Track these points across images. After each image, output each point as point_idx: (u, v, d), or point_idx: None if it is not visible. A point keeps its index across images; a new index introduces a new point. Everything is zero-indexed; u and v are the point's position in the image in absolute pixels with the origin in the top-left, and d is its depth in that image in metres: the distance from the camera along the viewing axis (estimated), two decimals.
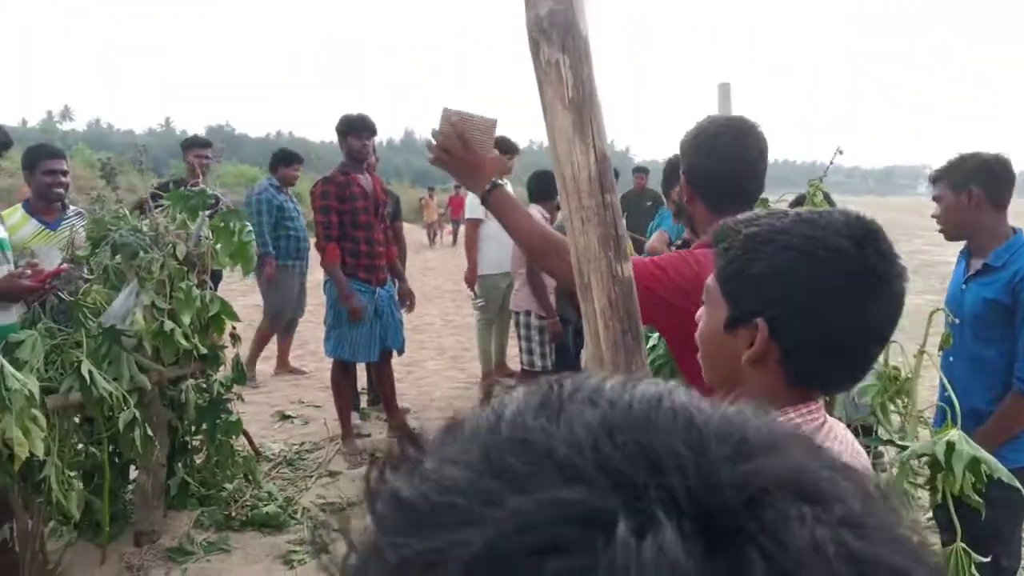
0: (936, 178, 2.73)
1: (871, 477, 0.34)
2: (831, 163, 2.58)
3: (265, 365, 6.89)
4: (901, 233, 21.72)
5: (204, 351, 3.89)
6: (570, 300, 5.29)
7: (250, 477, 4.19)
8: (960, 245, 2.78)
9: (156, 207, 3.93)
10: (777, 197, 2.58)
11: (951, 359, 2.57)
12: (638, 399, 0.34)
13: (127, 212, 3.95)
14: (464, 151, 1.78)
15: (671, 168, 3.92)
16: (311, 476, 4.58)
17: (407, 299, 5.59)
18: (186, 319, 3.69)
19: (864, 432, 2.12)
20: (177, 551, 3.63)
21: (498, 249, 5.86)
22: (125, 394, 3.40)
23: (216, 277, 4.51)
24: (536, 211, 5.04)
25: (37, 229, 4.03)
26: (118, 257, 3.66)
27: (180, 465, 4.03)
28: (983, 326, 2.58)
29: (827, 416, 1.15)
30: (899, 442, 2.03)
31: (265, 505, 4.03)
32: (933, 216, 2.74)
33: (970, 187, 2.60)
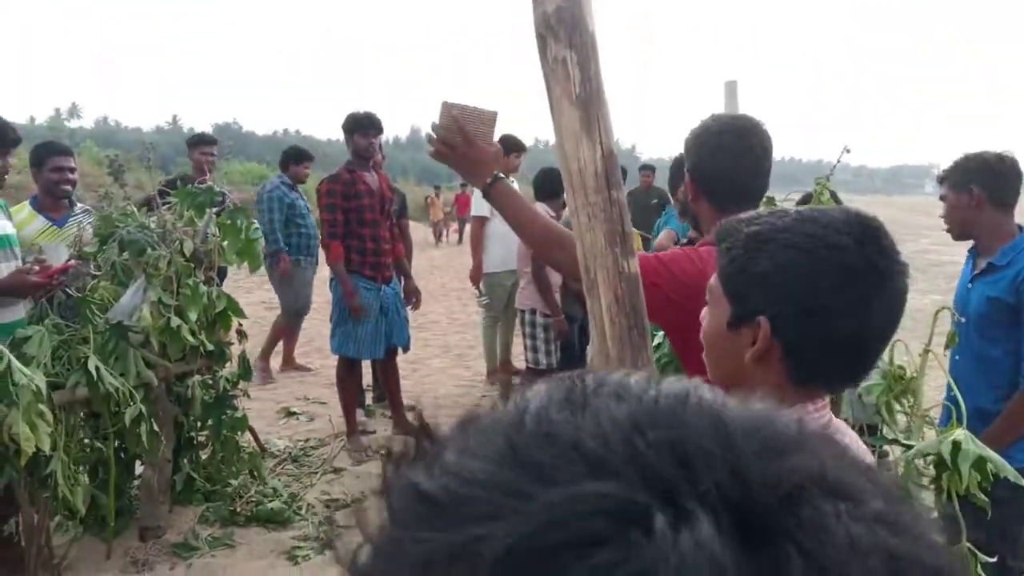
0: (942, 178, 2.75)
1: (893, 477, 0.34)
2: (838, 161, 2.58)
3: (271, 362, 6.91)
4: (907, 233, 21.66)
5: (210, 347, 3.91)
6: (575, 297, 5.29)
7: (255, 473, 4.21)
8: (968, 244, 2.78)
9: (163, 204, 3.94)
10: (784, 196, 2.58)
11: (957, 358, 2.57)
12: (664, 395, 0.34)
13: (135, 209, 3.97)
14: (465, 144, 1.77)
15: (677, 167, 3.92)
16: (316, 472, 4.59)
17: (413, 296, 5.60)
18: (193, 315, 3.71)
19: (869, 431, 2.12)
20: (182, 546, 3.64)
21: (504, 247, 5.86)
22: (131, 390, 3.41)
23: (221, 274, 4.53)
24: (542, 209, 5.04)
25: (44, 226, 4.05)
26: (125, 254, 3.68)
27: (186, 461, 4.05)
28: (988, 325, 2.58)
29: (832, 415, 1.15)
30: (904, 441, 2.03)
31: (270, 501, 4.04)
32: (941, 216, 2.75)
33: (971, 187, 2.61)
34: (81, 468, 3.39)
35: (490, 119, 1.80)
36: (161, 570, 3.48)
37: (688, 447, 0.30)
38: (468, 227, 7.96)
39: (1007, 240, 2.61)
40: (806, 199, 2.74)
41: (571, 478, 0.30)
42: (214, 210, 3.99)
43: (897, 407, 2.13)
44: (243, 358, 4.19)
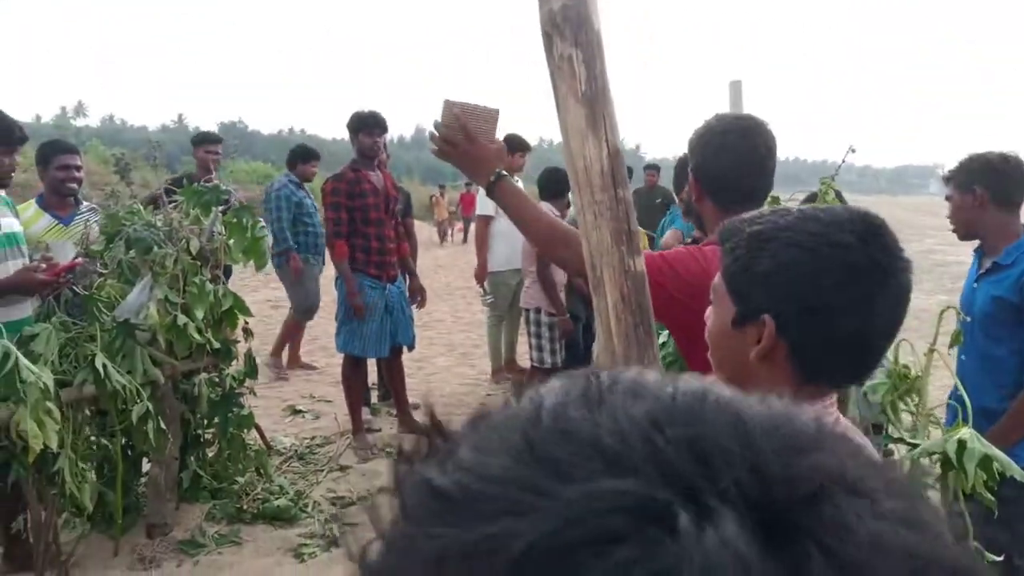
0: (948, 179, 2.76)
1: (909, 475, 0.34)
2: (843, 161, 2.58)
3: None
4: (912, 233, 21.62)
5: (217, 345, 3.92)
6: (580, 296, 5.30)
7: (261, 471, 4.22)
8: (975, 244, 2.79)
9: (169, 202, 3.96)
10: (788, 196, 2.58)
11: (963, 358, 2.57)
12: (682, 392, 0.33)
13: (141, 207, 3.98)
14: (467, 142, 1.77)
15: (681, 167, 3.92)
16: (322, 470, 4.60)
17: (418, 295, 5.60)
18: (199, 313, 3.72)
19: (875, 431, 2.12)
20: (189, 543, 3.66)
21: (508, 246, 5.87)
22: (138, 387, 3.42)
23: (226, 272, 4.54)
24: (547, 208, 5.04)
25: (50, 224, 4.06)
26: (132, 252, 3.69)
27: (192, 458, 4.06)
28: (993, 324, 2.58)
29: (840, 414, 1.15)
30: (909, 440, 2.03)
31: (276, 498, 4.05)
32: (947, 217, 2.76)
33: (974, 187, 2.62)
34: (88, 465, 3.40)
35: (492, 116, 1.80)
36: (168, 567, 3.50)
37: (707, 444, 0.30)
38: (473, 226, 7.96)
39: (1012, 240, 2.61)
40: (811, 199, 2.74)
41: (589, 475, 0.29)
42: (220, 208, 4.01)
43: (902, 406, 2.13)
44: (249, 356, 4.20)
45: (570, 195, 5.53)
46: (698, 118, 1.98)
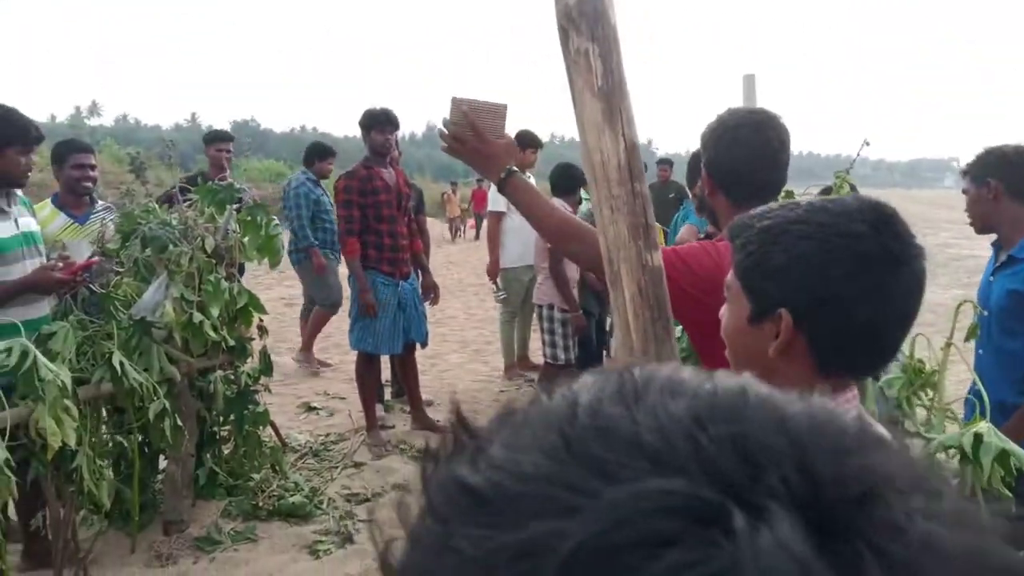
0: (965, 172, 2.75)
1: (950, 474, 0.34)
2: (858, 155, 2.56)
3: (288, 358, 6.97)
4: (927, 226, 21.48)
5: (232, 343, 3.94)
6: (593, 292, 5.29)
7: (277, 467, 4.24)
8: (991, 238, 2.77)
9: (184, 201, 3.98)
10: (803, 190, 2.57)
11: (980, 352, 2.55)
12: (722, 389, 0.33)
13: (156, 206, 4.00)
14: (476, 139, 1.77)
15: (695, 162, 3.91)
16: (336, 467, 4.62)
17: (431, 292, 5.61)
18: (215, 311, 3.74)
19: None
20: (205, 540, 3.68)
21: (521, 242, 5.87)
22: (155, 385, 3.45)
23: (240, 270, 4.56)
24: (559, 204, 5.04)
25: (66, 223, 4.09)
26: (148, 250, 3.71)
27: (208, 455, 4.08)
28: (1008, 318, 2.56)
29: (862, 408, 1.14)
30: (925, 434, 2.02)
31: (291, 495, 4.07)
32: (965, 211, 2.75)
33: (988, 180, 2.60)
34: (106, 463, 3.43)
35: (500, 112, 1.79)
36: (184, 563, 3.52)
37: (752, 443, 0.30)
38: (485, 223, 7.96)
39: None
40: (825, 193, 2.73)
41: (634, 475, 0.28)
42: (234, 206, 4.02)
43: (916, 401, 2.12)
44: (264, 353, 4.22)
45: (582, 191, 5.51)
46: (711, 112, 1.97)
